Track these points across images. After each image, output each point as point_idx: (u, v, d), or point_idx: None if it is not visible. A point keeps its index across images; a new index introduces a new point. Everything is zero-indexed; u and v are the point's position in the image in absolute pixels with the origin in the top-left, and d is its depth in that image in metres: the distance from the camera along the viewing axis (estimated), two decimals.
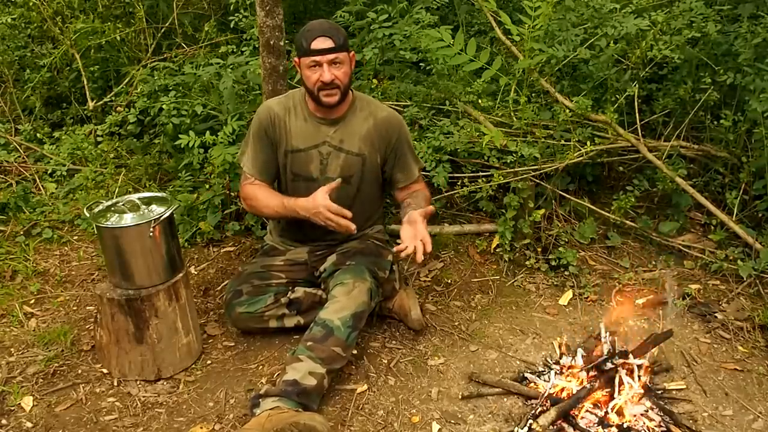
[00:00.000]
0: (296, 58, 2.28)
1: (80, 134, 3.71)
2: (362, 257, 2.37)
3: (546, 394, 2.15)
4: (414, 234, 2.12)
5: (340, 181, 2.25)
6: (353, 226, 2.18)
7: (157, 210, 2.19)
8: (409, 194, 2.42)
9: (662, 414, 2.12)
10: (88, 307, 2.67)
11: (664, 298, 2.71)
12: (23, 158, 3.67)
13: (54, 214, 3.26)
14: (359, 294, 2.21)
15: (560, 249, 2.92)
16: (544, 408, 2.10)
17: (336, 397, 2.21)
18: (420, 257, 2.08)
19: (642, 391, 2.15)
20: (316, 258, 2.49)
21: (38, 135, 3.87)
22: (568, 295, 2.77)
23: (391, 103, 3.26)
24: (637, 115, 3.15)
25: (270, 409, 1.99)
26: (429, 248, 2.09)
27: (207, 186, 3.13)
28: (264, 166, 2.39)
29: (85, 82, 4.03)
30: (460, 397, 2.22)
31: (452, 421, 2.12)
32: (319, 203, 2.17)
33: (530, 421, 2.03)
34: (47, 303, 2.70)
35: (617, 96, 3.15)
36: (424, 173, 2.97)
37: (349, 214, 2.17)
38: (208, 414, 2.14)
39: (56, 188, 3.46)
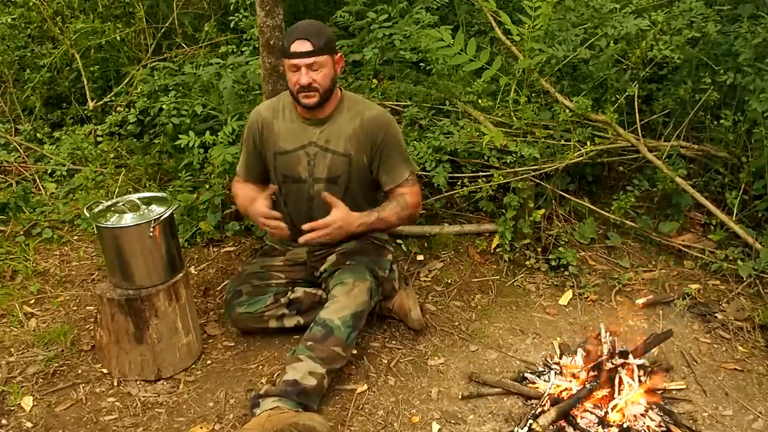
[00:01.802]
0: (282, 59, 2.30)
1: (80, 134, 3.71)
2: (362, 256, 2.37)
3: (546, 394, 2.15)
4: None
5: (276, 188, 2.33)
6: (284, 228, 2.24)
7: (157, 210, 2.19)
8: (393, 197, 2.39)
9: (662, 414, 2.12)
10: (88, 307, 2.67)
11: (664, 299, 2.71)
12: (23, 158, 3.67)
13: (54, 214, 3.25)
14: (359, 293, 2.21)
15: (560, 249, 2.92)
16: (544, 408, 2.10)
17: (336, 397, 2.21)
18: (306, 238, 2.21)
19: (642, 390, 2.15)
20: (315, 258, 2.49)
21: (38, 135, 3.87)
22: (568, 295, 2.77)
23: (391, 103, 3.26)
24: (637, 115, 3.15)
25: (270, 409, 1.99)
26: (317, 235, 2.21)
27: (207, 186, 3.13)
28: (249, 170, 2.48)
29: (85, 82, 4.03)
30: (460, 397, 2.22)
31: (452, 421, 2.12)
32: (257, 211, 2.27)
33: (530, 421, 2.03)
34: (47, 303, 2.70)
35: (617, 96, 3.14)
36: (424, 173, 2.98)
37: (278, 215, 2.25)
38: (208, 414, 2.14)
39: (56, 188, 3.46)
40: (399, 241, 3.02)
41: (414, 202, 2.40)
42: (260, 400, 2.04)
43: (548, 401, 2.12)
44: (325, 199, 2.24)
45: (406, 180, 2.39)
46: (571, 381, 2.22)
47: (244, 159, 2.48)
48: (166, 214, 2.17)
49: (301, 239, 2.21)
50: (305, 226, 2.20)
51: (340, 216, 2.22)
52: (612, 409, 2.10)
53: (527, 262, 2.93)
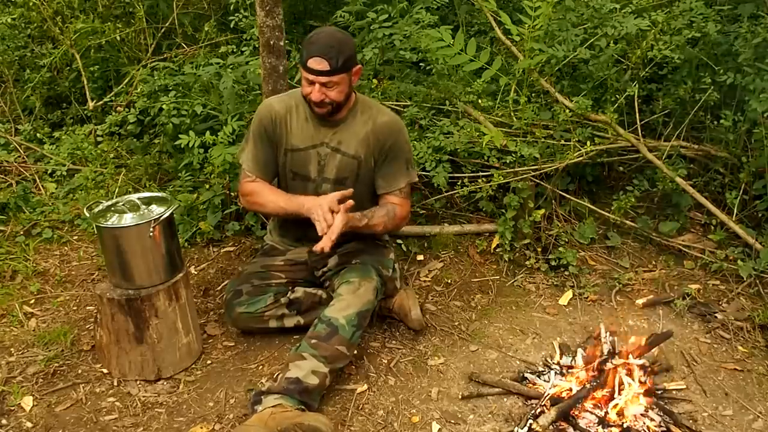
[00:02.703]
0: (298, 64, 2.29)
1: (80, 134, 3.71)
2: (367, 256, 2.38)
3: (546, 394, 2.15)
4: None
5: (353, 203, 2.22)
6: (328, 246, 2.14)
7: (157, 210, 2.19)
8: (383, 205, 2.37)
9: (662, 414, 2.12)
10: (88, 307, 2.67)
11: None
12: (23, 158, 3.67)
13: (54, 214, 3.25)
14: (365, 293, 2.22)
15: (560, 249, 2.92)
16: (544, 408, 2.10)
17: (336, 397, 2.21)
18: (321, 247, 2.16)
19: (642, 391, 2.15)
20: (316, 258, 2.48)
21: (38, 135, 3.87)
22: (568, 295, 2.77)
23: (391, 103, 3.26)
24: (637, 115, 3.15)
25: (272, 407, 1.99)
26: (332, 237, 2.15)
27: (207, 186, 3.13)
28: (264, 165, 2.38)
29: (85, 82, 4.03)
30: (460, 397, 2.22)
31: (452, 421, 2.12)
32: (327, 198, 2.18)
33: (530, 421, 2.03)
34: (47, 303, 2.70)
35: (617, 96, 3.15)
36: (424, 173, 2.98)
37: (341, 219, 2.16)
38: (208, 414, 2.14)
39: (56, 188, 3.45)
40: (399, 241, 3.02)
41: (401, 215, 2.39)
42: (262, 396, 2.04)
43: (548, 401, 2.12)
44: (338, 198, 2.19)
45: (400, 190, 2.38)
46: (571, 381, 2.22)
47: (259, 156, 2.37)
48: (166, 214, 2.17)
49: (317, 248, 2.14)
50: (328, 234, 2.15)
51: (344, 220, 2.18)
52: (612, 409, 2.10)
53: (527, 262, 2.93)
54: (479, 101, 3.15)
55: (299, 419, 1.93)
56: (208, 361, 2.38)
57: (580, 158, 2.97)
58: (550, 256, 2.92)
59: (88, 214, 2.21)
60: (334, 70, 2.15)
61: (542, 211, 2.98)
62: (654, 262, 2.98)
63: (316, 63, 2.14)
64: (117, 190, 3.28)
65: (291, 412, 1.97)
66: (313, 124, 2.34)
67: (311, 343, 2.12)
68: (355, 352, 2.35)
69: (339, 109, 2.28)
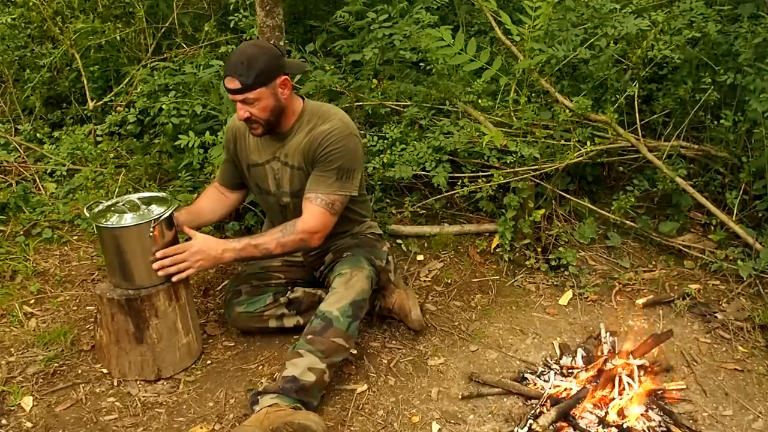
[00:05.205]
0: None
1: (80, 134, 3.71)
2: (358, 248, 2.37)
3: (546, 394, 2.15)
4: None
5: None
6: (157, 268, 2.15)
7: (157, 210, 2.19)
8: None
9: (662, 414, 2.12)
10: (88, 307, 2.67)
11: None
12: (23, 158, 3.67)
13: (54, 214, 3.25)
14: (357, 282, 2.21)
15: (560, 249, 2.92)
16: (544, 408, 2.10)
17: (336, 397, 2.21)
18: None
19: (642, 390, 2.15)
20: (312, 258, 2.49)
21: (38, 135, 3.87)
22: (568, 295, 2.77)
23: (391, 103, 3.26)
24: (637, 115, 3.15)
25: (268, 406, 1.99)
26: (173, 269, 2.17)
27: (207, 186, 3.12)
28: (224, 174, 2.54)
29: (85, 82, 4.03)
30: (460, 397, 2.22)
31: (452, 421, 2.12)
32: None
33: (530, 421, 2.03)
34: (47, 303, 2.70)
35: (617, 96, 3.15)
36: (424, 173, 2.98)
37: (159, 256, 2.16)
38: (208, 414, 2.14)
39: (56, 188, 3.45)
40: (399, 241, 3.03)
41: (306, 228, 2.19)
42: (259, 396, 2.04)
43: (548, 401, 2.12)
44: (183, 232, 2.24)
45: (317, 196, 2.20)
46: (571, 381, 2.22)
47: (223, 165, 2.54)
48: (166, 214, 2.17)
49: (156, 266, 2.14)
50: (159, 254, 2.14)
51: (197, 242, 2.18)
52: (612, 409, 2.10)
53: (527, 262, 2.93)
54: (479, 101, 3.15)
55: (290, 418, 1.93)
56: (208, 361, 2.38)
57: (580, 158, 2.97)
58: (550, 256, 2.92)
59: (88, 214, 2.21)
60: (246, 87, 2.11)
61: (542, 211, 2.98)
62: (654, 262, 2.98)
63: (229, 82, 2.13)
64: (117, 190, 3.28)
65: (284, 411, 1.97)
66: (266, 139, 2.33)
67: (307, 339, 2.12)
68: (355, 351, 2.35)
69: (272, 126, 2.23)
